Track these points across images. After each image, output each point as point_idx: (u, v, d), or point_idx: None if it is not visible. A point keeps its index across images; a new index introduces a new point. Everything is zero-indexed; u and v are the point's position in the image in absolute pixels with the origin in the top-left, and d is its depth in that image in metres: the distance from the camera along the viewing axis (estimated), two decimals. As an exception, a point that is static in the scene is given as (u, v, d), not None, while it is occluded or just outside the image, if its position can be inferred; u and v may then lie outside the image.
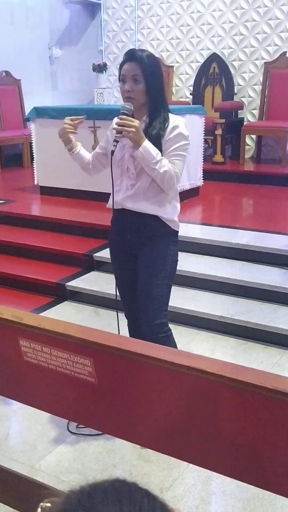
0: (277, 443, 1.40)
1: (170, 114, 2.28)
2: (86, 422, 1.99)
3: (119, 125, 2.14)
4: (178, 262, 2.48)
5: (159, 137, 2.23)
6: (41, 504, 0.63)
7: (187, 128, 2.32)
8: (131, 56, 2.21)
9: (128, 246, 2.38)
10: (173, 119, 2.26)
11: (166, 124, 2.24)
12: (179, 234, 2.46)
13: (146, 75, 2.19)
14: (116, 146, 2.20)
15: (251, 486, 2.10)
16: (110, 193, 2.40)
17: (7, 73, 7.13)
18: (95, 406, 1.68)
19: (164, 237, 2.35)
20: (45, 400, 1.84)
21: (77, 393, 1.69)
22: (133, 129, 2.12)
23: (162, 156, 2.20)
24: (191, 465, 2.18)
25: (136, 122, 2.14)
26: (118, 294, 2.53)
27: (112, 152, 2.20)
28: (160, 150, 2.22)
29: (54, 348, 1.63)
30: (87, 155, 2.42)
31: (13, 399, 2.05)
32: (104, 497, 0.52)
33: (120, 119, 2.15)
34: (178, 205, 2.41)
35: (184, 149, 2.28)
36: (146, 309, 2.37)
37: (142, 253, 2.35)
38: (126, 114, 2.17)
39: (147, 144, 2.16)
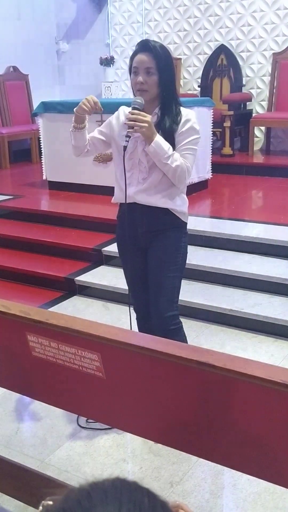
0: (286, 436, 1.39)
1: (181, 107, 2.25)
2: (94, 416, 1.99)
3: (130, 120, 2.11)
4: (188, 255, 2.47)
5: (171, 131, 2.21)
6: (43, 502, 0.63)
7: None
8: (145, 46, 2.18)
9: (139, 240, 2.37)
10: (185, 112, 2.24)
11: (179, 117, 2.22)
12: (187, 227, 2.46)
13: (160, 67, 2.16)
14: (128, 141, 2.16)
15: (261, 480, 2.10)
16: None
17: (15, 68, 7.14)
18: (103, 400, 1.68)
19: (175, 230, 2.35)
20: (53, 394, 1.84)
21: (85, 388, 1.69)
22: (146, 124, 2.09)
23: (173, 150, 2.19)
24: (200, 459, 2.18)
25: (148, 117, 2.12)
26: (128, 289, 2.53)
27: (125, 147, 2.16)
28: (172, 143, 2.20)
29: (62, 343, 1.63)
30: (87, 137, 2.37)
31: (22, 393, 2.06)
32: (104, 497, 0.51)
33: (132, 114, 2.12)
34: (186, 198, 2.41)
35: (196, 143, 2.27)
36: (157, 301, 2.37)
37: (153, 246, 2.35)
38: (137, 109, 2.14)
39: (159, 139, 2.14)
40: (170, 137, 2.20)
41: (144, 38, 6.05)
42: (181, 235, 2.39)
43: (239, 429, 1.45)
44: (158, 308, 2.37)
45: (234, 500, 2.01)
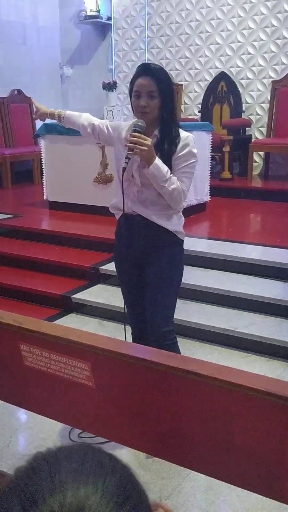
0: (274, 447, 1.41)
1: (180, 130, 2.29)
2: (84, 427, 2.01)
3: (131, 143, 2.16)
4: (184, 275, 2.51)
5: (170, 154, 2.25)
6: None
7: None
8: (146, 70, 2.22)
9: (136, 256, 2.40)
10: (184, 135, 2.28)
11: (177, 140, 2.26)
12: (184, 247, 2.50)
13: (161, 90, 2.20)
14: (127, 163, 2.21)
15: (251, 496, 2.10)
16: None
17: (19, 91, 7.28)
18: (93, 410, 1.70)
19: (172, 247, 2.39)
20: (45, 404, 1.86)
21: (75, 397, 1.71)
22: (146, 148, 2.14)
23: (171, 173, 2.24)
24: (191, 474, 2.19)
25: (149, 141, 2.15)
26: (124, 306, 2.56)
27: (124, 169, 2.21)
28: (170, 166, 2.25)
29: (53, 352, 1.66)
30: (81, 119, 2.45)
31: (14, 404, 2.07)
32: (68, 456, 0.55)
33: (133, 136, 2.16)
34: (183, 216, 2.46)
35: (193, 166, 2.31)
36: (154, 317, 2.40)
37: (150, 263, 2.38)
38: (138, 131, 2.18)
39: (158, 162, 2.19)
40: (168, 160, 2.25)
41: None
42: (178, 252, 2.43)
43: (231, 441, 1.47)
44: (154, 324, 2.41)
45: (222, 515, 2.02)
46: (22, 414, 2.65)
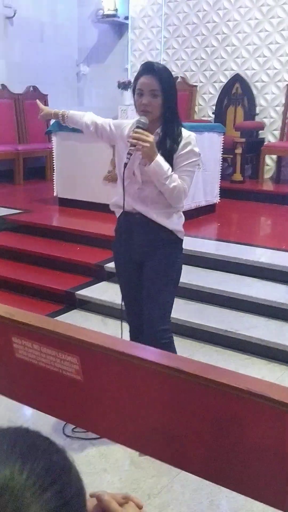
0: (254, 448, 1.41)
1: (182, 129, 2.31)
2: (74, 421, 2.01)
3: (134, 139, 2.17)
4: (187, 276, 2.51)
5: (171, 152, 2.26)
6: None
7: (198, 144, 2.35)
8: (149, 69, 2.23)
9: (135, 254, 2.41)
10: (186, 134, 2.29)
11: (180, 139, 2.27)
12: (189, 248, 2.50)
13: (164, 89, 2.21)
14: (129, 159, 2.22)
15: (239, 498, 2.10)
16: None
17: (35, 88, 7.32)
18: (81, 404, 1.71)
19: (171, 245, 2.40)
20: (36, 397, 1.87)
21: (64, 391, 1.72)
22: (148, 144, 2.15)
23: (172, 171, 2.25)
24: (181, 474, 2.19)
25: (151, 138, 2.17)
26: (122, 303, 2.58)
27: (125, 164, 2.23)
28: (171, 164, 2.26)
29: (43, 345, 1.67)
30: (84, 118, 2.45)
31: (6, 396, 2.09)
32: (1, 437, 0.56)
33: (136, 133, 2.18)
34: (183, 215, 2.46)
35: (194, 165, 2.32)
36: (151, 315, 2.41)
37: (149, 261, 2.39)
38: (141, 128, 2.20)
39: (159, 159, 2.19)
40: (169, 157, 2.26)
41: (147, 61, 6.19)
42: (177, 251, 2.43)
43: (221, 441, 1.47)
44: (150, 322, 2.41)
45: (209, 515, 2.02)
46: (17, 407, 2.66)
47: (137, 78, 2.27)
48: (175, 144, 2.27)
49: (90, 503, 1.08)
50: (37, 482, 0.51)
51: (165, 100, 2.23)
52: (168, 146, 2.26)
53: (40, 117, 2.63)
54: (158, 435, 1.62)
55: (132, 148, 2.19)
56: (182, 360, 1.42)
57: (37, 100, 2.84)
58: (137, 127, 2.21)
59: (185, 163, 2.27)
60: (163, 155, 2.23)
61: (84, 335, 1.58)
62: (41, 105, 2.64)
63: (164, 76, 2.23)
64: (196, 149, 2.30)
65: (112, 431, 1.71)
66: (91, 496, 1.11)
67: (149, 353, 1.54)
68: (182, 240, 2.45)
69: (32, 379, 1.81)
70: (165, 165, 2.21)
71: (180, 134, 2.28)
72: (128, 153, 2.21)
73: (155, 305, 2.40)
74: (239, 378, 1.35)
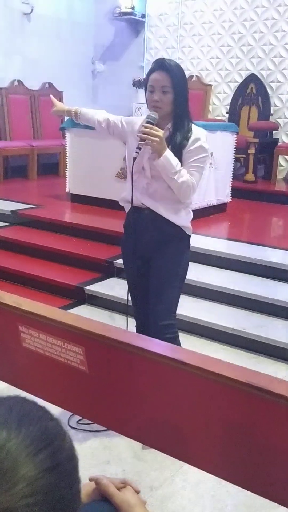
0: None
1: (192, 125, 2.33)
2: (78, 412, 2.04)
3: (143, 133, 2.20)
4: (196, 274, 2.53)
5: (181, 147, 2.28)
6: None
7: (210, 143, 2.37)
8: (161, 65, 2.26)
9: (142, 249, 2.44)
10: (196, 130, 2.31)
11: (189, 135, 2.29)
12: (199, 246, 2.52)
13: (175, 86, 2.24)
14: (138, 153, 2.25)
15: (240, 493, 2.11)
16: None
17: (50, 84, 7.37)
18: (85, 394, 1.73)
19: (178, 241, 2.42)
20: (40, 386, 1.90)
21: (69, 381, 1.74)
22: (157, 139, 2.18)
23: (181, 166, 2.27)
24: (183, 467, 2.21)
25: (160, 132, 2.20)
26: (130, 298, 2.61)
27: (134, 158, 2.26)
28: (180, 159, 2.28)
29: (50, 335, 1.70)
30: (96, 115, 2.50)
31: (13, 385, 2.12)
32: (0, 402, 0.58)
33: (146, 127, 2.21)
34: (191, 211, 2.48)
35: (203, 161, 2.33)
36: (156, 310, 2.43)
37: (156, 256, 2.41)
38: (151, 123, 2.23)
39: (168, 154, 2.22)
40: (179, 153, 2.28)
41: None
42: (184, 247, 2.45)
43: (222, 433, 1.48)
44: (155, 316, 2.43)
45: (211, 509, 2.03)
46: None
47: (149, 75, 2.30)
48: (185, 140, 2.29)
49: (89, 486, 1.10)
50: (32, 444, 0.54)
51: (176, 97, 2.25)
52: (178, 141, 2.28)
53: (52, 112, 2.66)
54: (162, 427, 1.64)
55: (141, 142, 2.22)
56: (186, 353, 1.44)
57: (51, 95, 2.86)
58: (147, 122, 2.24)
59: (194, 158, 2.29)
60: (172, 150, 2.25)
61: (89, 326, 1.61)
62: (55, 101, 2.67)
63: (175, 72, 2.24)
64: (206, 145, 2.32)
65: (117, 423, 1.73)
66: (90, 480, 1.13)
67: (153, 344, 1.56)
68: (189, 236, 2.46)
69: (38, 368, 1.84)
70: (174, 160, 2.23)
71: (190, 130, 2.30)
72: (138, 148, 2.24)
73: (160, 300, 2.42)
74: (239, 371, 1.37)
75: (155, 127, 2.21)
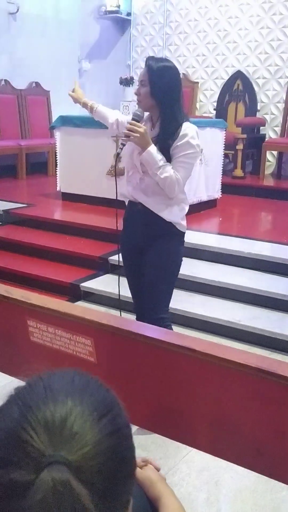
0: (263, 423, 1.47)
1: (184, 123, 2.34)
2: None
3: (128, 130, 2.27)
4: (190, 268, 2.59)
5: (168, 143, 2.32)
6: None
7: (199, 137, 2.39)
8: (145, 62, 2.36)
9: (137, 243, 2.50)
10: (185, 127, 2.32)
11: (177, 132, 2.32)
12: (192, 242, 2.57)
13: (151, 79, 2.28)
14: (122, 149, 2.37)
15: (243, 478, 2.18)
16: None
17: (37, 84, 7.37)
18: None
19: (170, 237, 2.46)
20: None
21: (78, 372, 1.79)
22: (138, 135, 2.24)
23: (167, 162, 2.30)
24: (187, 456, 2.27)
25: (142, 128, 2.25)
26: (119, 291, 2.67)
27: (117, 154, 2.36)
28: (168, 155, 2.32)
29: (58, 328, 1.74)
30: (109, 114, 2.60)
31: (19, 379, 2.15)
32: (60, 375, 0.63)
33: (130, 124, 2.28)
34: (187, 207, 2.51)
35: (190, 157, 2.34)
36: (148, 303, 2.50)
37: (149, 251, 2.47)
38: (136, 120, 2.30)
39: (152, 149, 2.27)
40: (166, 149, 2.32)
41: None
42: (176, 243, 2.48)
43: (224, 417, 1.54)
44: (147, 310, 2.50)
45: (215, 494, 2.09)
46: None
47: None
48: (172, 136, 2.31)
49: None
50: (95, 411, 0.59)
51: (152, 89, 2.28)
52: (165, 138, 2.32)
53: (71, 94, 2.76)
54: (170, 414, 1.69)
55: (124, 139, 2.29)
56: (194, 340, 1.49)
57: (76, 80, 2.98)
58: (132, 118, 2.32)
59: (180, 154, 2.31)
60: (160, 146, 2.30)
61: (98, 317, 1.66)
62: (76, 87, 2.77)
63: (152, 66, 2.29)
64: (193, 142, 2.32)
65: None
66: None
67: (161, 333, 1.61)
68: (182, 232, 2.48)
69: (46, 361, 1.88)
70: (158, 156, 2.27)
71: (179, 125, 2.32)
72: (122, 143, 2.35)
73: (152, 295, 2.49)
74: (248, 356, 1.42)
75: (137, 123, 2.28)
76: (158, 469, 1.13)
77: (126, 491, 0.61)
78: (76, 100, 2.74)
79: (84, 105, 2.67)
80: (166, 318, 2.49)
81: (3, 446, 0.57)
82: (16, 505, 0.54)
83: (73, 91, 2.74)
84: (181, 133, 2.31)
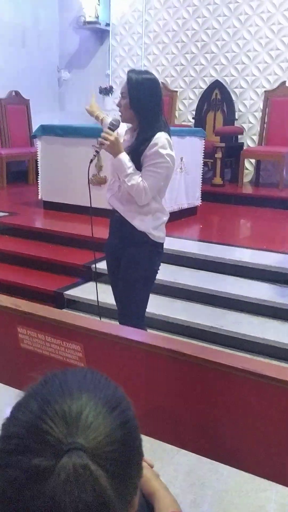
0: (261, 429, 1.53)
1: (159, 133, 2.38)
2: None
3: (101, 137, 2.37)
4: (172, 275, 2.65)
5: (139, 152, 2.39)
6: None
7: (174, 147, 2.43)
8: (127, 74, 2.43)
9: (115, 248, 2.58)
10: (157, 136, 2.37)
11: (149, 141, 2.37)
12: (173, 248, 2.64)
13: (130, 91, 2.36)
14: (95, 156, 2.44)
15: (229, 479, 2.23)
16: (109, 209, 2.65)
17: (17, 93, 7.40)
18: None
19: (139, 246, 2.50)
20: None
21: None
22: (108, 142, 2.34)
23: (137, 171, 2.37)
24: (174, 458, 2.31)
25: (113, 136, 2.34)
26: (97, 299, 2.76)
27: (91, 160, 2.45)
28: (139, 164, 2.39)
29: (48, 335, 1.78)
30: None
31: (10, 385, 2.18)
32: (73, 372, 0.69)
33: (104, 132, 2.37)
34: (164, 217, 2.55)
35: (159, 166, 2.38)
36: (120, 310, 2.60)
37: (123, 258, 2.54)
38: (111, 128, 2.40)
39: (122, 156, 2.35)
40: (138, 158, 2.39)
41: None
42: (149, 253, 2.52)
43: (213, 418, 1.59)
44: (120, 317, 2.58)
45: (202, 496, 2.14)
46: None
47: None
48: (142, 146, 2.38)
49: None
50: (106, 404, 0.65)
51: (131, 101, 2.36)
52: (136, 147, 2.40)
53: (87, 108, 2.90)
54: (161, 416, 1.74)
55: (97, 146, 2.39)
56: (183, 344, 1.55)
57: (93, 93, 3.17)
58: (108, 127, 2.41)
59: (149, 163, 2.38)
60: (133, 154, 2.37)
61: (88, 324, 1.70)
62: (93, 101, 2.89)
63: (132, 79, 2.37)
64: (163, 151, 2.35)
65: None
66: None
67: (150, 338, 1.66)
68: (155, 242, 2.51)
69: (36, 368, 1.91)
70: (127, 164, 2.34)
71: (151, 136, 2.37)
72: (95, 151, 2.43)
73: (123, 302, 2.58)
74: (234, 358, 1.48)
75: (110, 132, 2.37)
76: (151, 466, 1.18)
77: (136, 475, 0.67)
78: (91, 114, 2.84)
79: (97, 118, 2.77)
80: (139, 326, 2.53)
81: (24, 436, 0.62)
82: (38, 488, 0.59)
83: (90, 106, 2.86)
84: (152, 142, 2.36)
